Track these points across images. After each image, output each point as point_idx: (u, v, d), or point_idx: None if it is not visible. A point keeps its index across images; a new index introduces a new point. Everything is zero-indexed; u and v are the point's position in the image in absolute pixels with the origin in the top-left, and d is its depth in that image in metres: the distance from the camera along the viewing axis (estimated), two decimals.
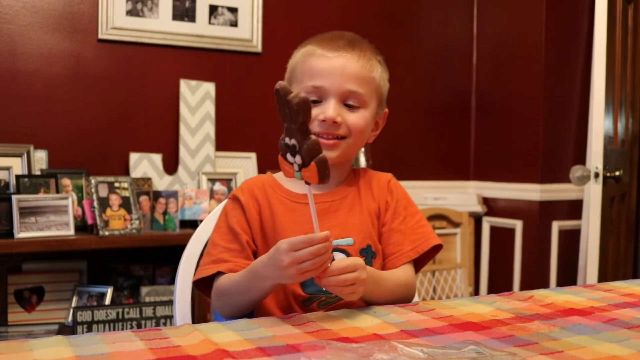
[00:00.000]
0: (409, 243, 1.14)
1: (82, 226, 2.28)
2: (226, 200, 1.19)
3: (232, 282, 1.03)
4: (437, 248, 1.16)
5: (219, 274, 1.06)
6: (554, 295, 1.07)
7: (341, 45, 1.12)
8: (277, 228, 1.10)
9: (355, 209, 1.14)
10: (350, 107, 1.12)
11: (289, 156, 0.90)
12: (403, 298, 1.08)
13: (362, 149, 2.82)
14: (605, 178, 2.42)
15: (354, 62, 1.12)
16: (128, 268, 2.47)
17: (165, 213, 2.38)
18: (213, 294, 1.07)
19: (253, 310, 1.09)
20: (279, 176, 1.19)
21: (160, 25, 2.57)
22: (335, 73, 1.10)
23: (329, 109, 1.09)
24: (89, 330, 2.13)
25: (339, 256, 1.08)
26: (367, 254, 1.12)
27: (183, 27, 2.61)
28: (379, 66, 1.17)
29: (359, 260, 0.93)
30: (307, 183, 0.90)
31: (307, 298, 1.08)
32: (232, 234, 1.10)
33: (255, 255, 1.11)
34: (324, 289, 1.03)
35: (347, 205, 1.14)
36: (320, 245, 0.87)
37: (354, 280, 0.91)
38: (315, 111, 1.08)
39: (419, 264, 1.17)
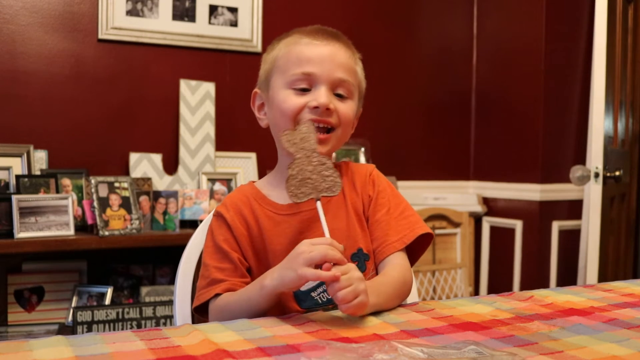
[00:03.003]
0: (394, 234, 1.09)
1: (82, 226, 2.28)
2: (211, 216, 1.14)
3: (232, 296, 1.00)
4: (429, 238, 1.11)
5: (216, 295, 1.03)
6: (554, 295, 1.07)
7: (326, 36, 1.10)
8: (266, 243, 1.08)
9: (341, 211, 1.11)
10: (339, 97, 1.09)
11: None
12: (404, 294, 1.03)
13: (362, 149, 2.83)
14: (605, 178, 2.42)
15: (342, 51, 1.10)
16: (128, 268, 2.47)
17: (165, 213, 2.38)
18: (211, 315, 1.02)
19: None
20: (261, 185, 1.15)
21: (160, 25, 2.57)
22: (326, 60, 1.07)
23: (321, 96, 1.05)
24: (89, 330, 2.13)
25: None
26: (359, 258, 1.09)
27: (183, 27, 2.61)
28: (359, 62, 1.16)
29: (353, 273, 0.88)
30: (317, 199, 0.90)
31: (304, 313, 1.07)
32: (221, 253, 1.06)
33: (250, 272, 1.08)
34: (320, 302, 1.03)
35: (333, 209, 1.10)
36: (338, 256, 0.88)
37: (353, 293, 0.86)
38: (305, 98, 1.06)
39: (412, 256, 1.11)
